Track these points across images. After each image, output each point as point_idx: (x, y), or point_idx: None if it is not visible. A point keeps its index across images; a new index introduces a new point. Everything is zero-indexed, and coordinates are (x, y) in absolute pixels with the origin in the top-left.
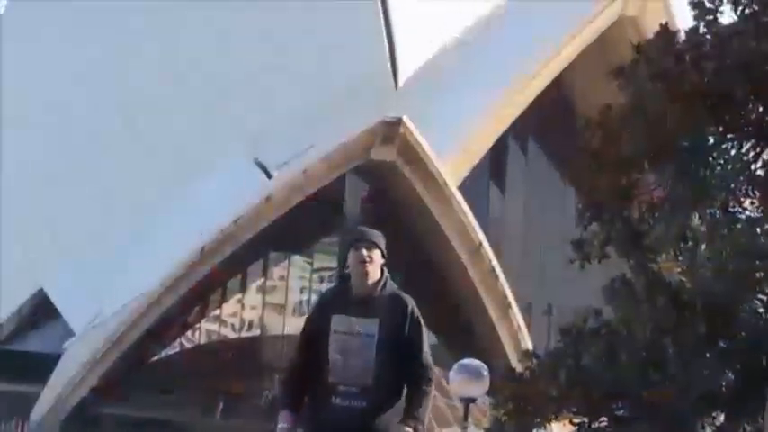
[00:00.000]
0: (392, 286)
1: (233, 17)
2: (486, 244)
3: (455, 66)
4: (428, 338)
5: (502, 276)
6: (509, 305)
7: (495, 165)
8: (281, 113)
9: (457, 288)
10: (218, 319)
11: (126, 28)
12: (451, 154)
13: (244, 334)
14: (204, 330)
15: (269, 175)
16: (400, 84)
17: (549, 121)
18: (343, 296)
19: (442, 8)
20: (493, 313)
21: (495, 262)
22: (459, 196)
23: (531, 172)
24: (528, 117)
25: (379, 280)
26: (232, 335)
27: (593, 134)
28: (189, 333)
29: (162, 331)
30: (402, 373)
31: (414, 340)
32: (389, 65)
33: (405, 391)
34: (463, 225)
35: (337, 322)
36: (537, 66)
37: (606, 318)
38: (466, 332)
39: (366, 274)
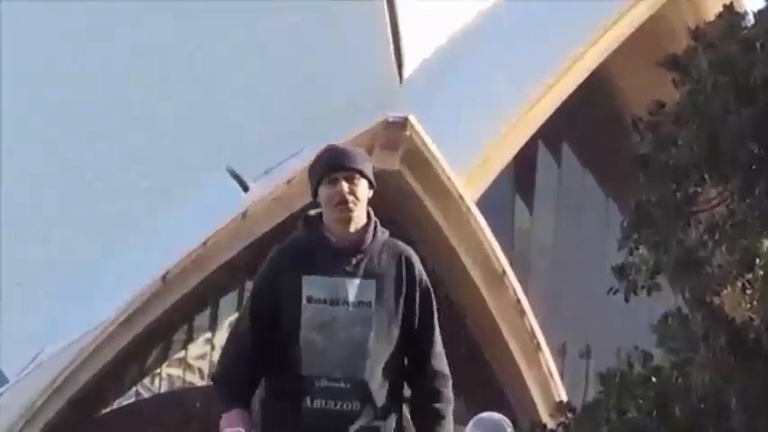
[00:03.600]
0: (384, 233)
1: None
2: (510, 271)
3: (469, 61)
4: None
5: (529, 310)
6: (538, 346)
7: (521, 174)
8: (273, 119)
9: (474, 325)
10: (182, 362)
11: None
12: (468, 162)
13: None
14: (166, 376)
15: (245, 187)
16: (405, 78)
17: (587, 122)
18: (317, 248)
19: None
20: (518, 356)
21: (520, 293)
22: (477, 213)
23: (565, 183)
24: (561, 119)
25: (367, 224)
26: (200, 382)
27: (642, 138)
28: (148, 379)
29: (116, 376)
30: (404, 375)
31: (425, 323)
32: (393, 56)
33: (403, 408)
34: (482, 248)
35: (312, 286)
36: (566, 61)
37: (656, 362)
38: (485, 380)
39: (349, 219)
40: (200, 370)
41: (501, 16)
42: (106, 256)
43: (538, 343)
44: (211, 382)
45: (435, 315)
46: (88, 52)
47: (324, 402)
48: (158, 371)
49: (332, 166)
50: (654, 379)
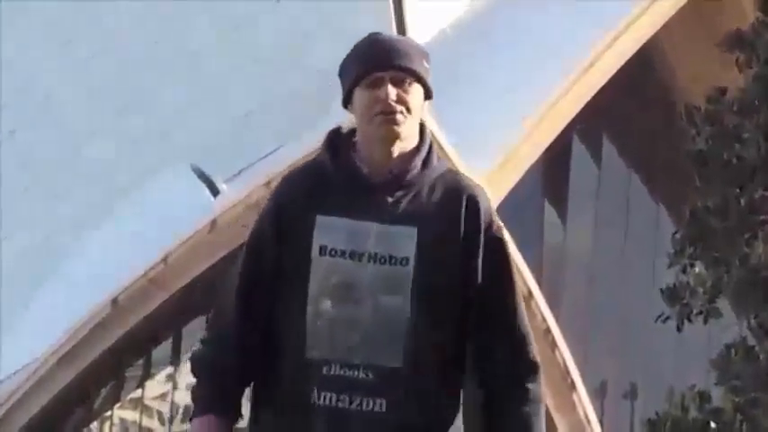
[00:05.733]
0: (442, 163)
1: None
2: (538, 293)
3: (486, 43)
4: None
5: (561, 341)
6: (572, 385)
7: (551, 177)
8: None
9: None
10: (138, 403)
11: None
12: (487, 161)
13: (176, 427)
14: (118, 420)
15: (214, 191)
16: None
17: (632, 113)
18: (341, 178)
19: None
20: (548, 397)
21: (551, 320)
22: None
23: (606, 186)
24: (600, 108)
25: (418, 148)
26: (159, 428)
27: (698, 131)
28: (96, 424)
29: (56, 422)
30: (461, 365)
31: (497, 289)
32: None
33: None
34: None
35: (328, 231)
36: (605, 38)
37: (716, 404)
38: None
39: (395, 136)
40: (159, 413)
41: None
42: (40, 275)
43: (572, 381)
44: (192, 376)
45: (514, 280)
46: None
47: (335, 398)
48: (109, 414)
49: (376, 61)
50: (713, 424)
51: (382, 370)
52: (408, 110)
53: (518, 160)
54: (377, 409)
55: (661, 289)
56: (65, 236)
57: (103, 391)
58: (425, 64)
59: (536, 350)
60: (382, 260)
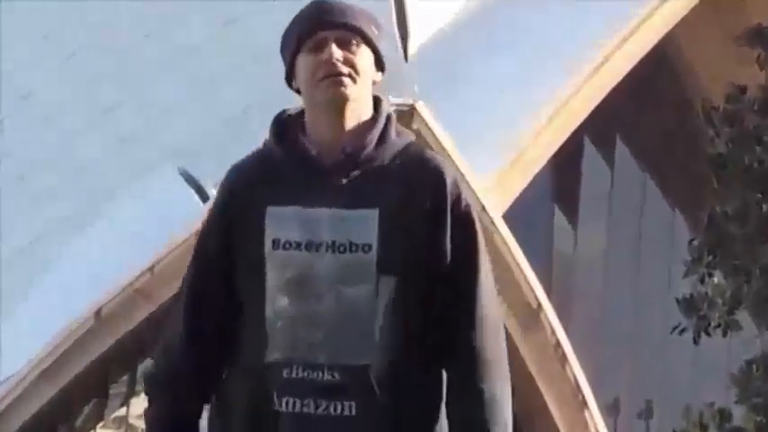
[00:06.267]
0: (402, 137)
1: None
2: (547, 305)
3: (493, 35)
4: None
5: (572, 356)
6: (583, 402)
7: (561, 181)
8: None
9: None
10: (122, 422)
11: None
12: (493, 162)
13: None
14: None
15: (203, 196)
16: (412, 57)
17: (647, 112)
18: (289, 162)
19: None
20: (558, 415)
21: (560, 332)
22: (504, 228)
23: (619, 191)
24: (613, 109)
25: (374, 120)
26: None
27: (717, 132)
28: None
29: None
30: (436, 357)
31: (462, 273)
32: (396, 29)
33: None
34: (512, 275)
35: (280, 222)
36: (620, 32)
37: (737, 423)
38: None
39: (343, 100)
40: None
41: None
42: (22, 283)
43: (583, 398)
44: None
45: (482, 264)
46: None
47: (299, 403)
48: None
49: (316, 20)
50: None
51: (350, 369)
52: (356, 71)
53: (526, 163)
54: (346, 412)
55: (677, 299)
56: (47, 242)
57: (86, 409)
58: (374, 29)
59: (499, 344)
60: (341, 248)
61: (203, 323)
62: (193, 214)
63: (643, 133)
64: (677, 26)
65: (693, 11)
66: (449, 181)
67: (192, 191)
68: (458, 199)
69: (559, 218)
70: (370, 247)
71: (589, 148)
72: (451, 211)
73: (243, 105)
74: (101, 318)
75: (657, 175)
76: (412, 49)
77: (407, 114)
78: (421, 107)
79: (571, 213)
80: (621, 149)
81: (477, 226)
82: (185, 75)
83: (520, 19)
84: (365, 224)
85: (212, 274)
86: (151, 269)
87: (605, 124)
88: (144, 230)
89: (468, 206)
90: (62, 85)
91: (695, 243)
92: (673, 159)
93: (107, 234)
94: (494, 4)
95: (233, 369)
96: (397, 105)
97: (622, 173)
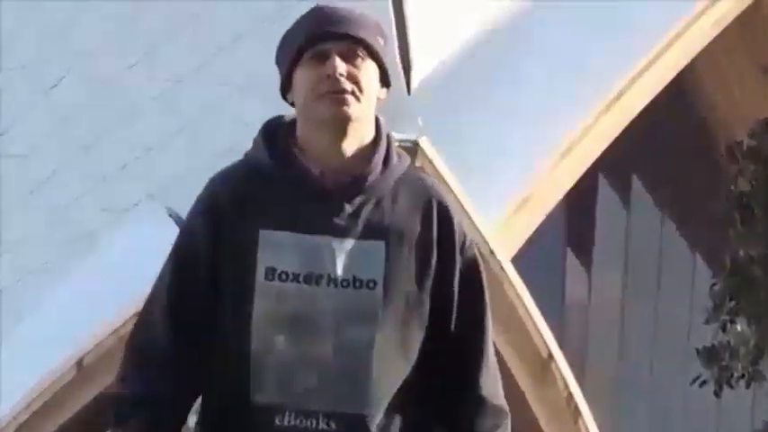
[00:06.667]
0: (402, 161)
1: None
2: (559, 355)
3: (501, 67)
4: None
5: (585, 409)
6: None
7: (574, 221)
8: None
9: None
10: None
11: None
12: (501, 203)
13: None
14: None
15: None
16: (415, 88)
17: (665, 149)
18: (285, 181)
19: None
20: None
21: (573, 385)
22: (513, 274)
23: (636, 233)
24: (629, 143)
25: (375, 143)
26: None
27: (741, 170)
28: None
29: None
30: (431, 406)
31: (469, 318)
32: (398, 58)
33: None
34: (521, 323)
35: (276, 249)
36: (636, 64)
37: None
38: None
39: (345, 120)
40: None
41: (545, 8)
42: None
43: None
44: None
45: (486, 308)
46: None
47: None
48: None
49: (318, 30)
50: None
51: (347, 418)
52: (360, 89)
53: (537, 203)
54: None
55: (697, 349)
56: (21, 287)
57: None
58: (380, 40)
59: (501, 393)
60: (345, 283)
61: (186, 336)
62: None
63: (661, 171)
64: (697, 57)
65: (715, 41)
66: (455, 219)
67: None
68: (464, 241)
69: (572, 262)
70: (375, 283)
71: (604, 188)
72: (460, 252)
73: (230, 141)
74: (82, 368)
75: (676, 216)
76: (415, 82)
77: (411, 152)
78: (425, 143)
79: (584, 257)
80: (638, 188)
81: (481, 267)
82: (171, 107)
83: (530, 52)
84: (372, 257)
85: (196, 288)
86: (136, 315)
87: (621, 162)
88: (128, 274)
89: (472, 246)
90: (39, 120)
91: (717, 288)
92: (693, 199)
93: (88, 278)
94: (502, 38)
95: (209, 404)
96: (400, 141)
97: (639, 214)
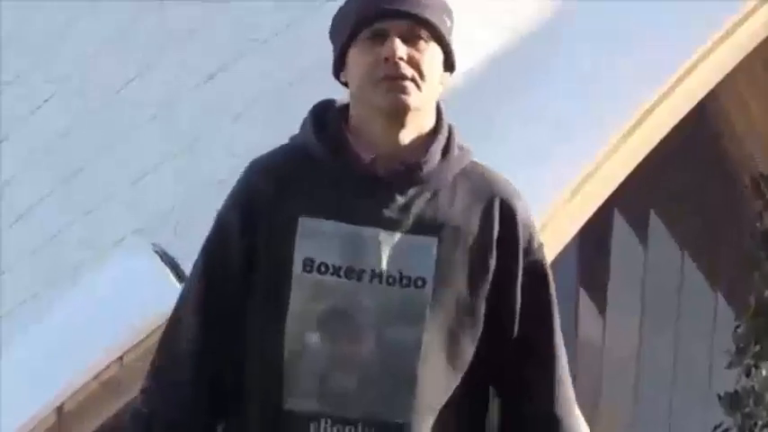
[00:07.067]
0: (464, 153)
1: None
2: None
3: (511, 92)
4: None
5: None
6: None
7: (587, 260)
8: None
9: None
10: None
11: None
12: None
13: None
14: None
15: (180, 276)
16: None
17: (685, 182)
18: (332, 166)
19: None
20: None
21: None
22: None
23: (654, 271)
24: (646, 179)
25: (435, 131)
26: None
27: (766, 204)
28: None
29: None
30: (487, 419)
31: (535, 324)
32: None
33: None
34: None
35: (315, 239)
36: (653, 91)
37: None
38: None
39: (404, 110)
40: None
41: (562, 26)
42: None
43: None
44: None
45: (555, 314)
46: None
47: None
48: None
49: (378, 6)
50: None
51: (389, 427)
52: (422, 75)
53: (548, 240)
54: None
55: (719, 395)
56: None
57: None
58: (447, 20)
59: (576, 408)
60: (390, 280)
61: (217, 340)
62: (168, 296)
63: (680, 206)
64: (719, 86)
65: (738, 66)
66: (520, 217)
67: (168, 269)
68: (530, 241)
69: (585, 303)
70: (424, 282)
71: (619, 224)
72: (524, 256)
73: (225, 171)
74: (62, 415)
75: (697, 254)
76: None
77: None
78: None
79: (599, 298)
80: (656, 225)
81: (549, 272)
82: (160, 135)
83: (544, 80)
84: (422, 254)
85: (229, 283)
86: (120, 359)
87: (637, 196)
88: (112, 314)
89: (541, 248)
90: (20, 147)
91: (740, 331)
92: (714, 236)
93: (69, 318)
94: (514, 67)
95: (236, 413)
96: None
97: (657, 251)
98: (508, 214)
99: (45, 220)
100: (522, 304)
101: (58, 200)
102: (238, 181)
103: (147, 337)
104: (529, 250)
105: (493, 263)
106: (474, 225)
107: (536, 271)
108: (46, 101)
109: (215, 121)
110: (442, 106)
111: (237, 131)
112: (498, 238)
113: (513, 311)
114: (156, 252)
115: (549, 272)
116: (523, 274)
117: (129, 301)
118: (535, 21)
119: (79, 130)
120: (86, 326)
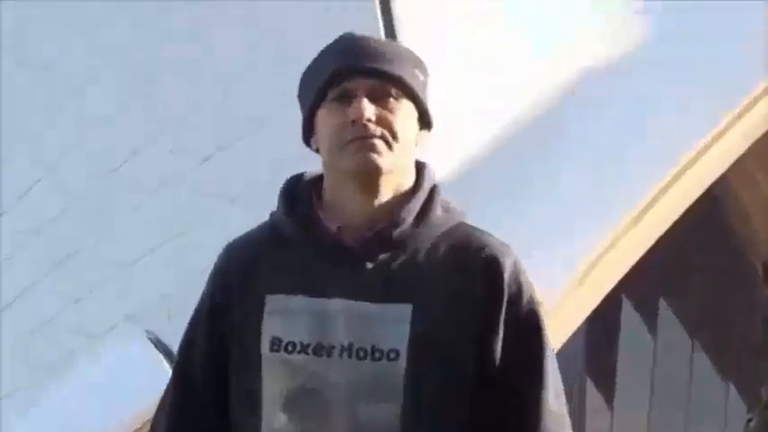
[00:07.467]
0: (449, 214)
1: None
2: None
3: (519, 181)
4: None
5: None
6: None
7: (595, 350)
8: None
9: None
10: None
11: None
12: None
13: None
14: None
15: (172, 360)
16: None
17: (696, 269)
18: (300, 241)
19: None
20: None
21: None
22: None
23: (664, 363)
24: (655, 266)
25: (414, 190)
26: None
27: None
28: None
29: None
30: None
31: (526, 398)
32: None
33: None
34: None
35: (282, 316)
36: (663, 174)
37: None
38: None
39: (374, 172)
40: None
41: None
42: None
43: None
44: None
45: (545, 370)
46: None
47: None
48: None
49: (343, 65)
50: None
51: None
52: (393, 135)
53: (554, 328)
54: None
55: None
56: None
57: None
58: (419, 75)
59: None
60: (361, 354)
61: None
62: (162, 383)
63: (691, 295)
64: (730, 169)
65: (749, 151)
66: (507, 270)
67: (161, 356)
68: (518, 294)
69: (593, 396)
70: (397, 354)
71: (628, 312)
72: (508, 308)
73: (211, 257)
74: None
75: (708, 345)
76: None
77: None
78: None
79: (607, 390)
80: (665, 314)
81: (545, 336)
82: (149, 214)
83: (550, 161)
84: (394, 323)
85: (192, 387)
86: None
87: (646, 284)
88: (102, 404)
89: (532, 303)
90: (9, 230)
91: (752, 424)
92: (726, 326)
93: (57, 409)
94: (519, 148)
95: None
96: None
97: (667, 342)
98: (492, 266)
99: (37, 306)
100: (509, 361)
101: (49, 285)
102: (213, 266)
103: (140, 428)
104: (514, 303)
105: (481, 321)
106: (455, 284)
107: (525, 326)
108: (37, 182)
109: (210, 204)
110: (429, 167)
111: (234, 215)
112: (485, 294)
113: (505, 381)
114: (150, 339)
115: (543, 329)
116: (506, 329)
117: (122, 389)
118: (540, 103)
119: (70, 214)
120: (73, 417)
